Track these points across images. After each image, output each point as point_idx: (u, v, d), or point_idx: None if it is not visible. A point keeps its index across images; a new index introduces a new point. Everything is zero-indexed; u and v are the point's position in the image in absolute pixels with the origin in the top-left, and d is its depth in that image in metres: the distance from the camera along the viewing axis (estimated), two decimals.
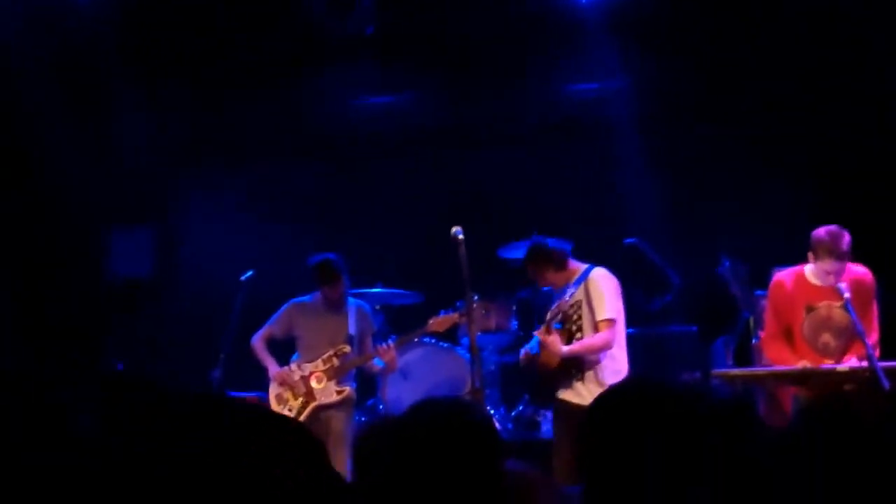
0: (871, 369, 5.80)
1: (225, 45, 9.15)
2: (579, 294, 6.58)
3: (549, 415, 8.31)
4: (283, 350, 7.62)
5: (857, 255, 6.32)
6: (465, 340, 8.44)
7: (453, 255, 6.63)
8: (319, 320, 7.47)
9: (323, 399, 7.34)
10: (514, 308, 9.01)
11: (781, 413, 6.27)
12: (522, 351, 6.95)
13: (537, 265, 6.77)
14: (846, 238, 6.14)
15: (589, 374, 6.53)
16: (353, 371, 7.54)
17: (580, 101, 9.92)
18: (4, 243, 8.48)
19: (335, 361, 7.38)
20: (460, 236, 6.65)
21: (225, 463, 1.42)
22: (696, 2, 8.87)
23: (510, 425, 8.60)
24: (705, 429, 2.07)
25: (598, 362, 6.54)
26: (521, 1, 9.05)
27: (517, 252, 8.96)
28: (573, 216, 7.87)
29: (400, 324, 8.62)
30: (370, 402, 8.70)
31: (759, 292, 7.61)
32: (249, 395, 7.92)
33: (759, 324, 7.39)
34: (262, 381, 7.59)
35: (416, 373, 8.58)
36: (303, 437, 1.52)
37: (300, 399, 7.36)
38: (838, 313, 6.24)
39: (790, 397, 6.31)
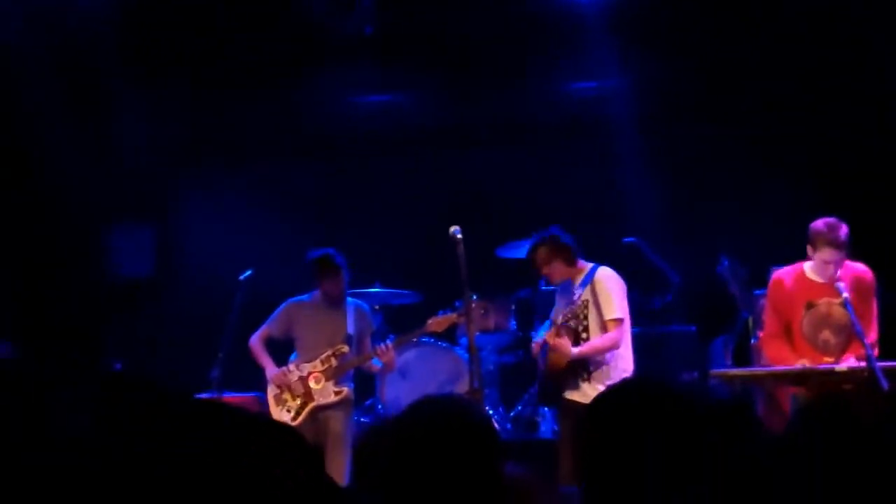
0: (870, 369, 5.80)
1: (225, 45, 9.15)
2: (586, 294, 6.60)
3: (549, 415, 8.34)
4: (282, 350, 7.62)
5: (857, 254, 6.34)
6: (463, 340, 8.44)
7: (452, 254, 6.64)
8: (318, 320, 7.46)
9: (321, 399, 7.33)
10: (513, 308, 9.01)
11: (780, 413, 6.27)
12: (534, 342, 6.95)
13: (550, 253, 6.74)
14: (844, 228, 6.16)
15: (596, 375, 6.56)
16: (352, 371, 7.53)
17: (580, 100, 9.93)
18: (4, 243, 8.48)
19: (333, 361, 7.37)
20: (459, 236, 6.65)
21: (225, 463, 1.42)
22: (695, 1, 8.87)
23: (509, 425, 8.60)
24: (704, 428, 2.07)
25: (605, 363, 6.58)
26: (521, 1, 9.05)
27: (516, 252, 8.97)
28: (572, 215, 7.82)
29: (398, 324, 8.62)
30: (368, 402, 8.70)
31: (758, 292, 7.61)
32: (248, 396, 7.92)
33: (758, 324, 7.39)
34: (260, 382, 7.58)
35: (414, 373, 8.58)
36: (300, 439, 1.52)
37: (298, 399, 7.35)
38: (838, 310, 6.25)
39: (789, 397, 6.31)
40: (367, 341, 7.54)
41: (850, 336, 6.24)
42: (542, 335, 6.91)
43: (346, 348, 7.39)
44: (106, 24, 8.68)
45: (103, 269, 9.70)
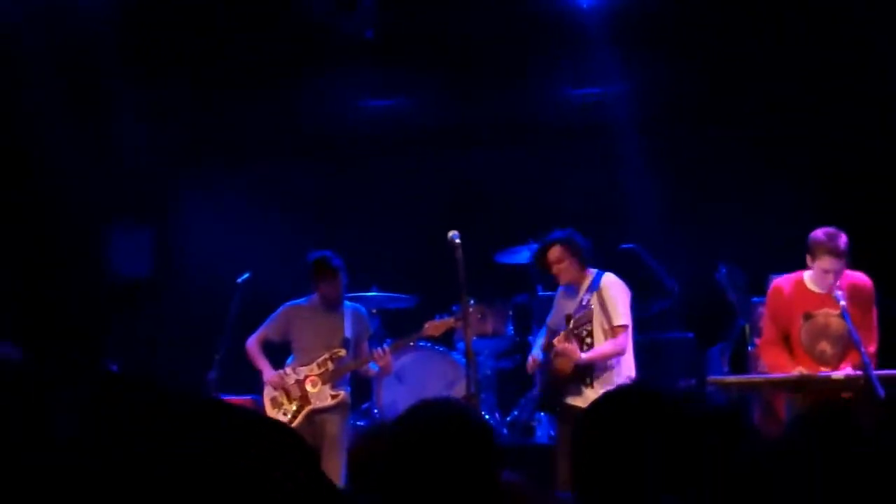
0: (867, 377, 5.81)
1: (225, 46, 9.14)
2: (593, 301, 6.62)
3: (545, 420, 8.33)
4: (279, 352, 7.61)
5: (859, 257, 6.34)
6: (460, 345, 8.43)
7: (450, 258, 6.64)
8: (315, 323, 7.46)
9: (318, 403, 7.33)
10: (511, 313, 9.02)
11: (777, 420, 6.28)
12: (531, 358, 6.98)
13: (565, 253, 6.78)
14: (843, 238, 6.17)
15: (599, 381, 6.60)
16: (348, 375, 7.52)
17: (581, 103, 9.93)
18: (4, 243, 8.43)
19: (330, 365, 7.37)
20: (457, 240, 6.66)
21: (225, 464, 1.42)
22: (697, 4, 8.87)
23: (505, 430, 8.60)
24: (698, 435, 2.08)
25: (608, 369, 6.63)
26: (522, 3, 9.04)
27: (514, 257, 8.98)
28: (573, 219, 7.81)
29: (396, 327, 8.62)
30: (365, 405, 8.69)
31: (755, 299, 7.62)
32: (244, 398, 7.92)
33: (756, 331, 7.40)
34: (257, 384, 7.57)
35: (411, 377, 8.58)
36: (300, 440, 1.52)
37: (295, 403, 7.35)
38: (836, 321, 6.25)
39: (785, 405, 6.32)
40: (365, 345, 7.55)
41: (847, 346, 6.24)
42: (539, 348, 6.93)
43: (343, 352, 7.39)
44: (106, 24, 8.68)
45: (102, 269, 9.67)
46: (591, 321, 6.59)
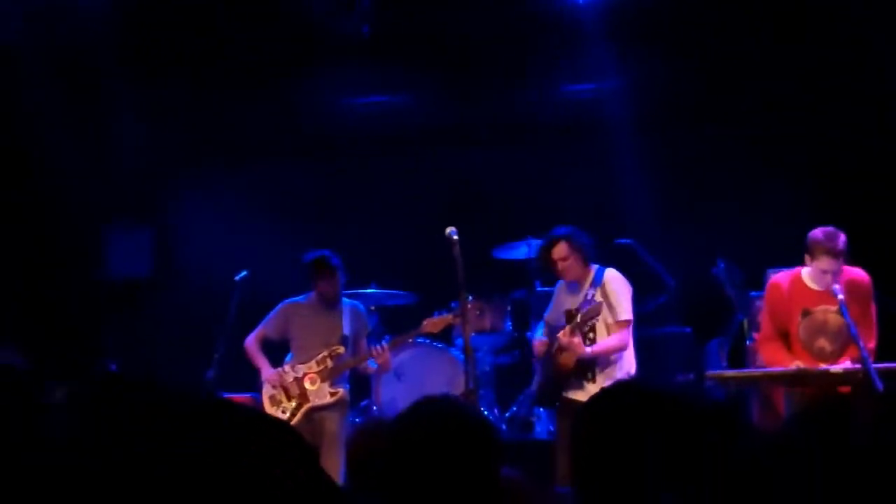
0: (865, 371, 5.82)
1: (225, 45, 9.15)
2: (598, 296, 6.64)
3: (544, 416, 8.34)
4: (278, 350, 7.62)
5: (857, 255, 6.34)
6: (459, 341, 8.44)
7: (448, 255, 6.65)
8: (313, 321, 7.46)
9: (316, 400, 7.34)
10: (509, 309, 9.01)
11: (775, 415, 6.29)
12: (535, 340, 6.98)
13: (570, 250, 6.79)
14: (842, 238, 6.17)
15: (601, 376, 6.63)
16: (347, 372, 7.53)
17: (578, 101, 9.93)
18: (4, 243, 8.47)
19: (329, 362, 7.38)
20: (455, 237, 6.67)
21: (225, 463, 1.43)
22: (694, 1, 8.87)
23: (504, 426, 8.60)
24: (697, 430, 2.09)
25: (611, 363, 6.67)
26: (519, 1, 9.05)
27: (512, 253, 8.98)
28: (570, 216, 7.82)
29: (394, 324, 8.62)
30: (364, 402, 8.70)
31: (754, 294, 7.62)
32: (243, 396, 7.92)
33: (754, 325, 7.41)
34: (255, 383, 7.58)
35: (410, 374, 8.58)
36: (299, 438, 1.53)
37: (294, 400, 7.35)
38: (834, 318, 6.26)
39: (784, 399, 6.33)
40: (363, 342, 7.55)
41: (846, 343, 6.25)
42: (541, 335, 6.95)
43: (341, 349, 7.40)
44: (106, 24, 8.68)
45: (102, 269, 9.70)
46: (598, 315, 6.60)
